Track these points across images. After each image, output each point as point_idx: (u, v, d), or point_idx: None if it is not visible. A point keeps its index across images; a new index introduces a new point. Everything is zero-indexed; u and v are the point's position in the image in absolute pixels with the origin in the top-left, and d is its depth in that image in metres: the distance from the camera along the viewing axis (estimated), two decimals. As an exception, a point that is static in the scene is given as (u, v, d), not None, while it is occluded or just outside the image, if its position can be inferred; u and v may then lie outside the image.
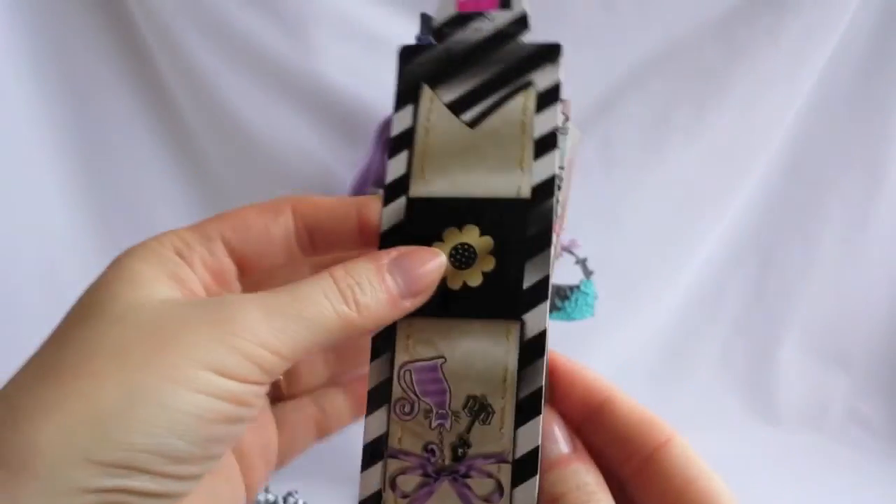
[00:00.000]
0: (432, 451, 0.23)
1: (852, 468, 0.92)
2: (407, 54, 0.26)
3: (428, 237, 0.25)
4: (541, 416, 0.23)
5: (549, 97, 0.25)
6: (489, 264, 0.24)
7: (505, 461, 0.22)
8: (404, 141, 0.26)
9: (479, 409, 0.23)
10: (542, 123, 0.24)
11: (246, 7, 0.83)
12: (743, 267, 1.02)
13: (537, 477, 0.22)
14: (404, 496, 0.23)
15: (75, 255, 0.92)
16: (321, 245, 0.27)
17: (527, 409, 0.23)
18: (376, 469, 0.23)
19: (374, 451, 0.23)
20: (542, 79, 0.25)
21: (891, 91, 0.93)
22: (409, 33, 0.73)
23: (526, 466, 0.22)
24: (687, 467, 0.27)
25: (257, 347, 0.22)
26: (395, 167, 0.27)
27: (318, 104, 0.87)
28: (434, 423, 0.23)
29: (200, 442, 0.21)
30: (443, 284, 0.24)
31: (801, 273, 1.00)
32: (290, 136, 0.88)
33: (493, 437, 0.22)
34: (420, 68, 0.26)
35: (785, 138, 0.96)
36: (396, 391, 0.24)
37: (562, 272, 0.75)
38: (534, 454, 0.22)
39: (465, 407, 0.23)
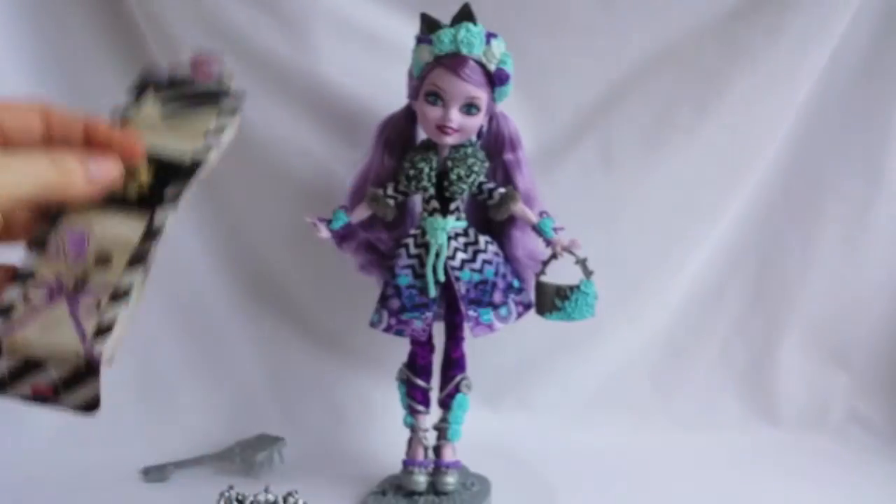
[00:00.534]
0: (60, 281, 0.36)
1: (852, 468, 0.92)
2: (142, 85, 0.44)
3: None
4: (143, 266, 0.38)
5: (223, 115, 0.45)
6: (146, 183, 0.39)
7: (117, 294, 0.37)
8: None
9: (104, 259, 0.37)
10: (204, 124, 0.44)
11: (246, 7, 0.83)
12: (743, 267, 1.02)
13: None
14: (30, 303, 0.36)
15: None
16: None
17: (134, 262, 0.38)
18: (18, 286, 0.36)
19: (17, 275, 0.37)
20: (220, 106, 0.46)
21: (890, 91, 0.93)
22: (408, 33, 0.73)
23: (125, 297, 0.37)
24: None
25: None
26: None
27: (318, 104, 0.87)
28: (69, 263, 0.37)
29: None
30: (118, 189, 0.38)
31: (801, 273, 1.01)
32: (290, 136, 0.89)
33: (108, 277, 0.37)
34: (152, 79, 0.44)
35: (785, 138, 0.96)
36: (52, 242, 0.37)
37: (562, 272, 0.75)
38: (130, 291, 0.37)
39: (95, 259, 0.37)
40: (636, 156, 0.92)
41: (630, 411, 1.00)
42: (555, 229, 0.75)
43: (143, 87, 0.44)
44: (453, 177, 0.73)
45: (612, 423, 0.98)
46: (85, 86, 0.89)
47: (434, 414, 0.82)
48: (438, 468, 0.80)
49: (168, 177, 0.41)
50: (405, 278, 0.77)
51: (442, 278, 0.75)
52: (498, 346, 0.89)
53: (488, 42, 0.70)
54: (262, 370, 0.98)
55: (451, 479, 0.79)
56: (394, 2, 0.86)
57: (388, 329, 0.78)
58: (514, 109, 0.78)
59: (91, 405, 0.37)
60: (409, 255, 0.77)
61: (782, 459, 0.93)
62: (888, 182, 0.96)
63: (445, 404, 0.81)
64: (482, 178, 0.75)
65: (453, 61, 0.70)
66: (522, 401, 1.00)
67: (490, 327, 0.76)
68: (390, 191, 0.77)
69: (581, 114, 0.91)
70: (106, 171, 0.37)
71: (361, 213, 0.78)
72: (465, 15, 0.70)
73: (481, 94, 0.71)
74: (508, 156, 0.77)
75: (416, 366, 0.81)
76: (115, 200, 0.38)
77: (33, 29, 0.86)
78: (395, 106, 0.78)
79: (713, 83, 0.89)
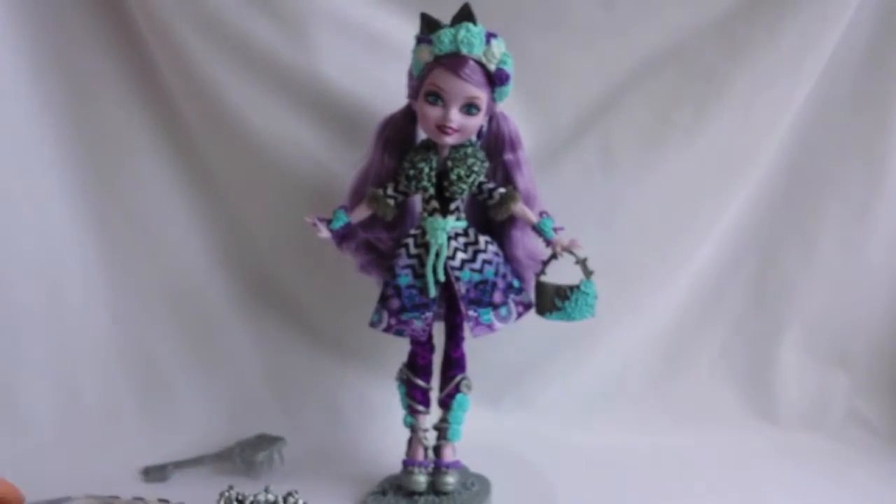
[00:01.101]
0: None
1: (852, 468, 0.92)
2: None
3: None
4: None
5: None
6: None
7: None
8: None
9: None
10: None
11: (246, 7, 0.83)
12: (743, 267, 1.02)
13: None
14: None
15: (75, 255, 0.92)
16: None
17: None
18: None
19: None
20: None
21: (890, 90, 0.93)
22: (408, 33, 0.73)
23: None
24: None
25: None
26: None
27: (318, 104, 0.88)
28: None
29: None
30: None
31: (801, 273, 1.01)
32: (290, 136, 0.89)
33: None
34: None
35: (785, 138, 0.96)
36: None
37: (562, 272, 0.75)
38: None
39: None
40: (636, 156, 0.92)
41: (630, 411, 1.00)
42: (555, 229, 0.75)
43: None
44: (453, 177, 0.73)
45: (612, 423, 0.98)
46: (85, 86, 0.89)
47: (434, 414, 0.82)
48: (438, 468, 0.80)
49: None
50: (405, 278, 0.77)
51: (442, 278, 0.75)
52: (498, 346, 0.89)
53: (488, 42, 0.70)
54: (262, 370, 0.98)
55: (451, 479, 0.79)
56: (394, 2, 0.86)
57: (388, 329, 0.78)
58: (514, 109, 0.78)
59: None
60: (409, 255, 0.77)
61: (782, 459, 0.93)
62: (888, 182, 0.96)
63: (445, 404, 0.81)
64: (482, 178, 0.75)
65: (453, 61, 0.69)
66: (522, 401, 1.00)
67: (490, 327, 0.76)
68: (390, 191, 0.77)
69: (581, 114, 0.91)
70: None
71: (361, 213, 0.78)
72: (465, 15, 0.70)
73: (481, 94, 0.71)
74: (508, 156, 0.77)
75: (416, 366, 0.81)
76: None
77: (33, 29, 0.86)
78: (394, 106, 0.78)
79: (713, 83, 0.89)
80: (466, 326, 0.77)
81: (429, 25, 0.71)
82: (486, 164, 0.75)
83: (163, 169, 0.93)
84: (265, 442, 0.88)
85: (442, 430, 0.81)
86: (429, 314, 0.76)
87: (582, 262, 0.74)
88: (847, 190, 0.97)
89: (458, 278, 0.75)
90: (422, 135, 0.77)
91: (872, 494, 0.85)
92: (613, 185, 0.93)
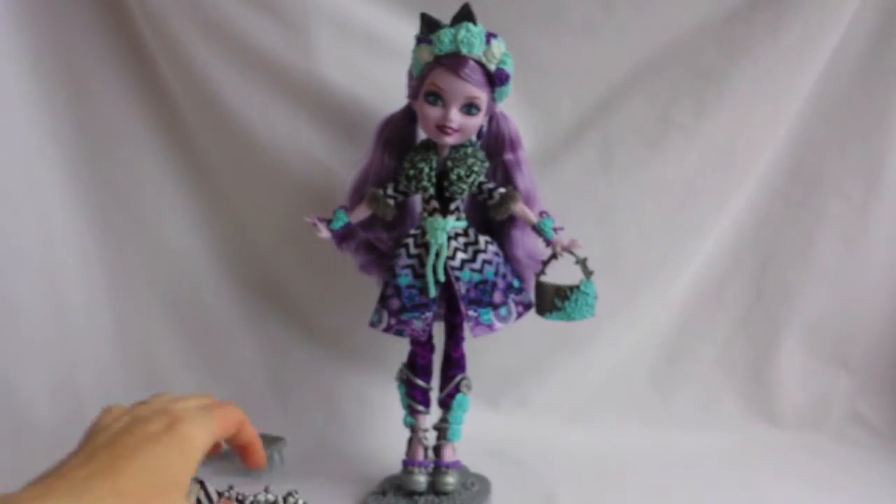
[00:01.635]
0: None
1: (852, 468, 0.92)
2: None
3: None
4: None
5: None
6: None
7: None
8: None
9: None
10: None
11: (246, 7, 0.83)
12: (743, 267, 1.02)
13: None
14: None
15: (76, 255, 0.92)
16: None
17: None
18: None
19: None
20: None
21: (891, 90, 0.93)
22: (408, 33, 0.73)
23: None
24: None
25: None
26: None
27: (318, 104, 0.87)
28: None
29: None
30: None
31: (801, 273, 1.01)
32: (290, 136, 0.89)
33: None
34: None
35: (785, 137, 0.96)
36: None
37: (562, 272, 0.75)
38: None
39: None
40: (636, 156, 0.92)
41: (630, 411, 1.00)
42: (555, 229, 0.75)
43: None
44: (453, 177, 0.73)
45: (612, 423, 0.98)
46: (85, 86, 0.89)
47: (434, 414, 0.82)
48: (438, 468, 0.80)
49: None
50: (405, 278, 0.77)
51: (442, 278, 0.75)
52: (498, 346, 0.89)
53: (488, 42, 0.70)
54: (262, 370, 0.98)
55: (451, 479, 0.79)
56: (394, 2, 0.86)
57: (388, 329, 0.78)
58: (514, 109, 0.78)
59: None
60: (409, 255, 0.77)
61: (782, 459, 0.93)
62: (888, 182, 0.96)
63: (445, 404, 0.81)
64: (482, 178, 0.75)
65: (453, 61, 0.69)
66: (522, 401, 1.00)
67: (490, 327, 0.76)
68: (390, 191, 0.77)
69: (581, 114, 0.91)
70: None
71: (361, 213, 0.78)
72: (465, 15, 0.70)
73: (481, 94, 0.71)
74: (508, 156, 0.77)
75: (416, 366, 0.81)
76: None
77: (33, 29, 0.86)
78: (394, 106, 0.78)
79: (713, 82, 0.89)
80: (466, 326, 0.77)
81: (429, 25, 0.71)
82: (486, 164, 0.75)
83: (163, 169, 0.93)
84: (265, 442, 0.87)
85: (442, 430, 0.81)
86: (429, 314, 0.76)
87: (582, 262, 0.74)
88: (847, 190, 0.97)
89: (458, 278, 0.75)
90: (422, 135, 0.77)
91: (873, 495, 0.85)
92: (613, 185, 0.93)
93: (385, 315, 0.78)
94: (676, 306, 1.02)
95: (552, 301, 0.75)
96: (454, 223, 0.76)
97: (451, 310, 0.79)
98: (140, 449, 0.38)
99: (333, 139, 0.89)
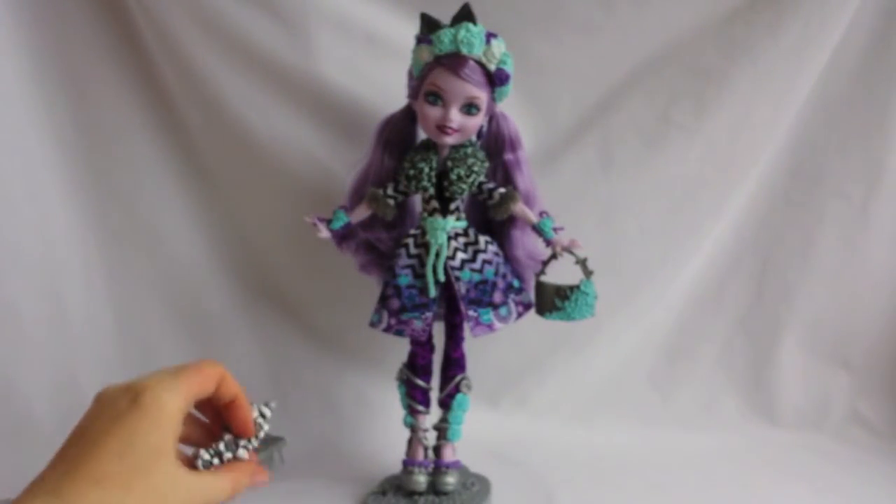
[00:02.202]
0: None
1: (852, 468, 0.92)
2: None
3: None
4: None
5: None
6: None
7: None
8: None
9: None
10: None
11: (246, 7, 0.83)
12: (743, 267, 1.02)
13: None
14: None
15: (76, 255, 0.92)
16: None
17: None
18: None
19: None
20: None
21: (891, 90, 0.93)
22: (408, 33, 0.73)
23: None
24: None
25: None
26: None
27: (318, 104, 0.87)
28: None
29: None
30: None
31: (801, 273, 1.01)
32: (290, 136, 0.89)
33: None
34: None
35: (785, 137, 0.96)
36: None
37: (562, 272, 0.75)
38: None
39: None
40: (636, 156, 0.92)
41: (630, 411, 1.00)
42: (555, 229, 0.75)
43: None
44: (453, 177, 0.73)
45: (612, 423, 0.98)
46: (85, 86, 0.89)
47: (434, 414, 0.82)
48: (438, 468, 0.80)
49: None
50: (405, 278, 0.77)
51: (442, 278, 0.75)
52: (498, 346, 0.89)
53: (488, 42, 0.70)
54: (262, 370, 0.98)
55: (451, 479, 0.79)
56: (394, 2, 0.86)
57: (387, 329, 0.78)
58: (514, 109, 0.78)
59: None
60: (409, 255, 0.77)
61: (782, 459, 0.93)
62: (888, 182, 0.96)
63: (445, 404, 0.81)
64: (482, 178, 0.75)
65: (453, 61, 0.69)
66: (522, 401, 1.00)
67: (490, 327, 0.76)
68: (390, 191, 0.77)
69: (581, 114, 0.91)
70: (259, 484, 0.48)
71: (361, 213, 0.78)
72: (465, 15, 0.70)
73: (481, 94, 0.71)
74: (508, 156, 0.77)
75: (416, 366, 0.81)
76: None
77: (33, 29, 0.86)
78: (394, 106, 0.78)
79: (713, 82, 0.89)
80: (466, 326, 0.77)
81: (429, 25, 0.71)
82: (486, 164, 0.75)
83: (163, 168, 0.93)
84: (265, 442, 0.87)
85: (442, 430, 0.81)
86: (429, 314, 0.76)
87: (582, 262, 0.74)
88: (847, 190, 0.97)
89: (458, 278, 0.75)
90: (422, 135, 0.77)
91: (873, 494, 0.85)
92: (613, 185, 0.93)
93: (385, 315, 0.78)
94: (676, 306, 1.02)
95: (552, 301, 0.75)
96: (454, 223, 0.76)
97: (451, 310, 0.79)
98: (108, 431, 0.37)
99: (333, 139, 0.89)
